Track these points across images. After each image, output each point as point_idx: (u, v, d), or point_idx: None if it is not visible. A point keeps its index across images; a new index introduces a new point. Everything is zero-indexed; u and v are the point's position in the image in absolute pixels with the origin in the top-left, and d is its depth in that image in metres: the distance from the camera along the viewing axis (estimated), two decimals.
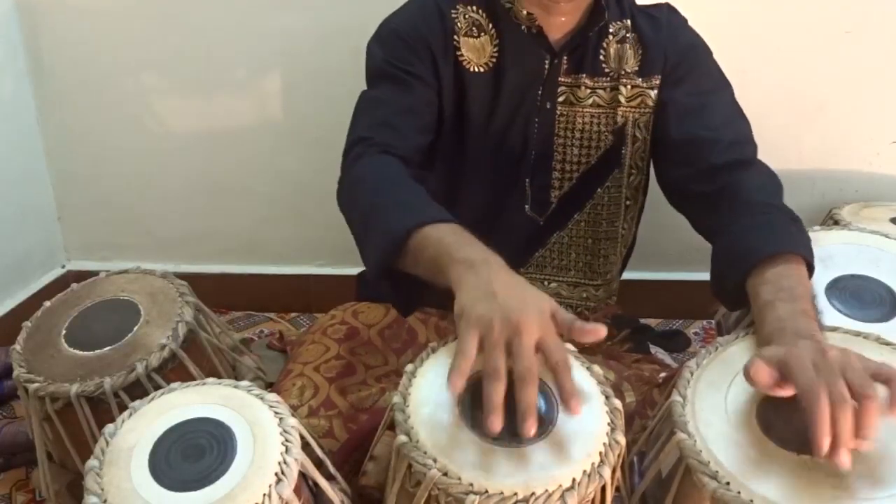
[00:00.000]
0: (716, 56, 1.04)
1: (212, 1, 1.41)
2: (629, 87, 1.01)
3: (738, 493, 0.62)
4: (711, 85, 1.01)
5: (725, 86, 1.02)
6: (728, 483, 0.63)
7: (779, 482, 0.63)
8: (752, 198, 0.90)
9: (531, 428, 0.60)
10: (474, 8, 0.99)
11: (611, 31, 1.01)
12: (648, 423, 0.86)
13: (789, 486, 0.62)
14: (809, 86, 1.41)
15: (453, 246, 0.73)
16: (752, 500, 0.62)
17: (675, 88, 1.00)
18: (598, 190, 1.06)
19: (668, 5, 1.06)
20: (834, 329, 0.79)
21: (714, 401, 0.71)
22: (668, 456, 0.72)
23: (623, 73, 1.01)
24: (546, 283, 1.11)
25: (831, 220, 1.40)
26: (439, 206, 0.82)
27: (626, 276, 1.20)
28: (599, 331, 0.67)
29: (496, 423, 0.60)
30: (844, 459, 0.60)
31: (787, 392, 0.67)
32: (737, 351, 0.78)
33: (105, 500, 0.62)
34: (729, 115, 0.99)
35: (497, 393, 0.61)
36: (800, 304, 0.75)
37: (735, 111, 1.00)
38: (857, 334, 0.79)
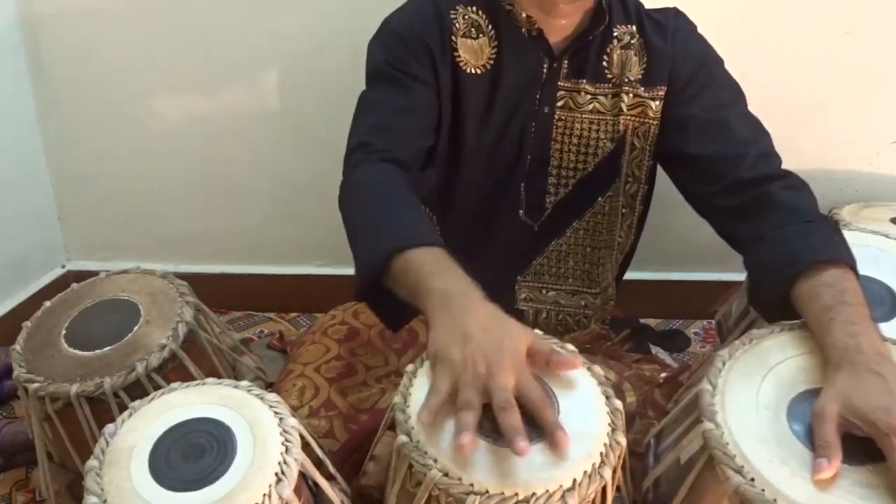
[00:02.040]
0: None
1: (212, 1, 1.40)
2: (631, 95, 0.99)
3: (763, 490, 0.62)
4: (728, 98, 0.99)
5: (740, 96, 0.99)
6: (753, 479, 0.62)
7: (806, 485, 0.62)
8: (791, 206, 0.89)
9: (524, 448, 0.60)
10: (474, 9, 0.98)
11: (615, 35, 0.98)
12: (655, 419, 0.85)
13: (816, 490, 0.61)
14: (809, 86, 1.41)
15: (431, 275, 0.72)
16: (776, 500, 0.61)
17: (690, 104, 0.98)
18: (600, 199, 1.05)
19: (675, 10, 1.03)
20: None
21: (746, 394, 0.70)
22: (691, 443, 0.71)
23: (626, 80, 0.99)
24: (544, 291, 1.10)
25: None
26: (428, 225, 0.82)
27: (626, 276, 1.20)
28: (575, 362, 0.69)
29: (467, 441, 0.60)
30: None
31: None
32: (773, 345, 0.76)
33: (105, 500, 0.62)
34: (751, 128, 0.97)
35: (469, 419, 0.62)
36: (864, 310, 0.74)
37: (755, 124, 0.97)
38: None
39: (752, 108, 1.01)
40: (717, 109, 0.97)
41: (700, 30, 1.04)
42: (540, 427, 0.65)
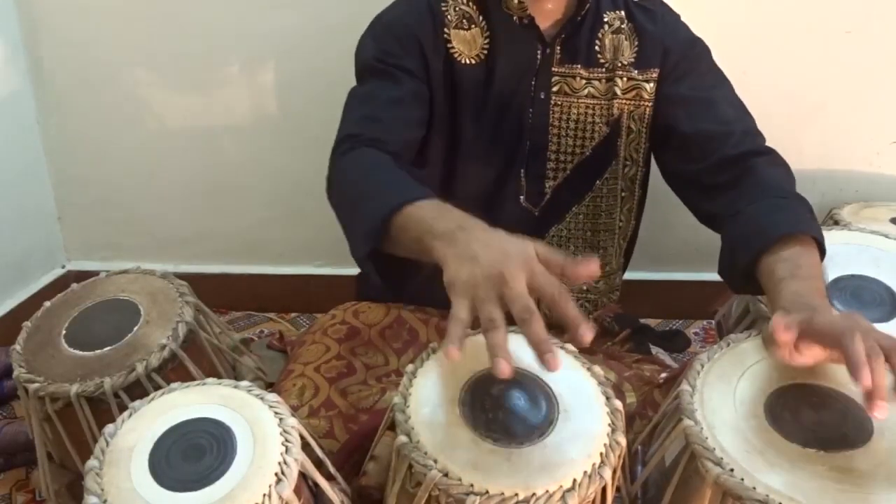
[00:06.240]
0: (716, 56, 1.05)
1: (212, 1, 1.41)
2: (625, 79, 1.02)
3: (742, 479, 0.62)
4: (715, 80, 1.03)
5: (726, 81, 1.03)
6: (732, 470, 0.63)
7: (783, 473, 0.63)
8: (768, 182, 0.91)
9: (556, 362, 0.60)
10: (464, 0, 1.00)
11: (605, 20, 1.02)
12: (653, 418, 0.86)
13: (794, 478, 0.62)
14: (809, 86, 1.41)
15: (432, 223, 0.71)
16: (755, 488, 0.62)
17: (678, 84, 1.01)
18: (598, 182, 1.07)
19: (660, 1, 1.07)
20: None
21: (723, 391, 0.72)
22: (674, 443, 0.72)
23: (619, 64, 1.02)
24: None
25: (831, 221, 1.40)
26: (421, 186, 0.81)
27: (628, 275, 1.20)
28: (592, 265, 0.66)
29: (504, 367, 0.59)
30: (881, 412, 0.60)
31: (804, 360, 0.68)
32: (749, 347, 0.78)
33: (105, 500, 0.62)
34: (736, 109, 1.00)
35: (499, 338, 0.60)
36: (816, 283, 0.77)
37: (740, 105, 1.01)
38: None
39: (752, 108, 1.01)
40: (705, 89, 1.01)
41: (700, 30, 1.06)
42: (541, 428, 0.65)
